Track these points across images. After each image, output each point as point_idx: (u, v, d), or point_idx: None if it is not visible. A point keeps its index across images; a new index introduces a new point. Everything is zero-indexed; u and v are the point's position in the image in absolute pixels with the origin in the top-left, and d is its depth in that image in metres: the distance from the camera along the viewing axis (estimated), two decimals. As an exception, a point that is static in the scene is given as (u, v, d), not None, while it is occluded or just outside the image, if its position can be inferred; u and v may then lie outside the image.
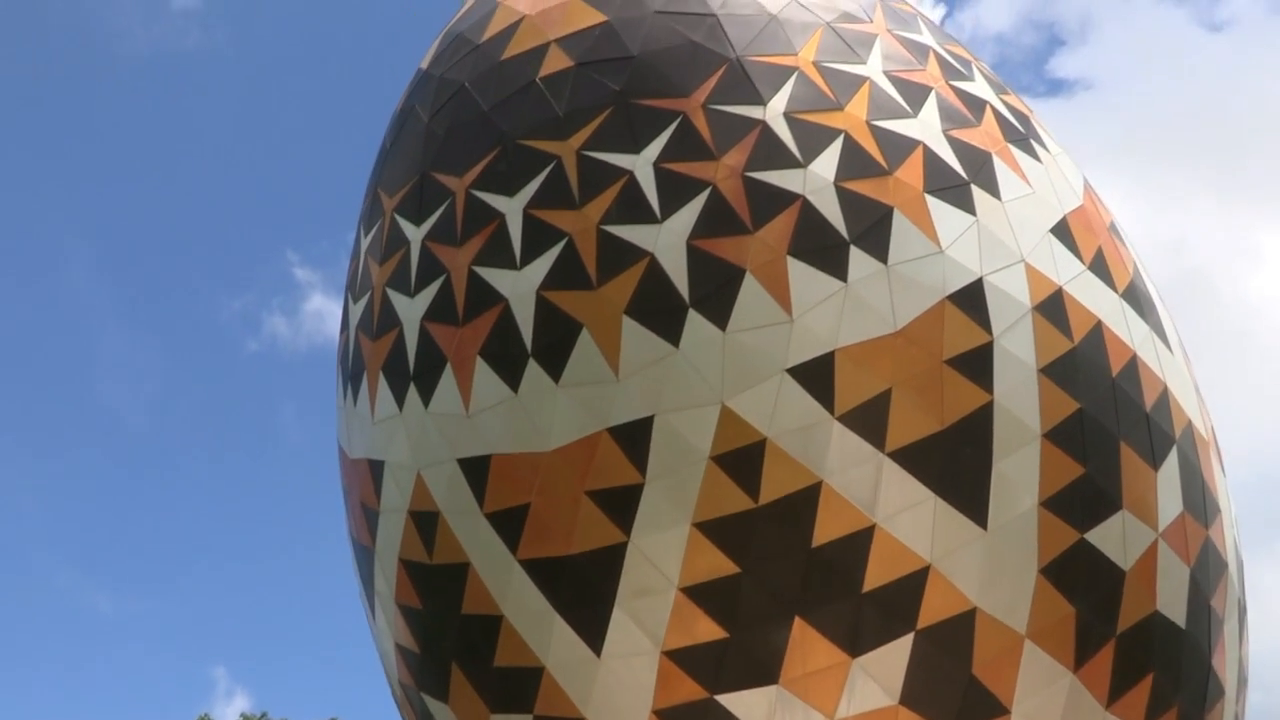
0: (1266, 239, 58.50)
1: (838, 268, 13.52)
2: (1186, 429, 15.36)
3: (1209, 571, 15.29)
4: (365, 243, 16.03)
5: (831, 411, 13.33)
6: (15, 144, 56.82)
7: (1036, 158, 15.37)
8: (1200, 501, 15.30)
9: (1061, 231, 14.90)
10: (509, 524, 14.06)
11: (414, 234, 14.96)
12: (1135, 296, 15.41)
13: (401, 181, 15.43)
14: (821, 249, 13.55)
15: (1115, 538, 14.21)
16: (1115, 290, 15.10)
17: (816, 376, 13.34)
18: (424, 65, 16.21)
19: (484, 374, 14.07)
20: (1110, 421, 14.32)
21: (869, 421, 13.39)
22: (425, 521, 14.77)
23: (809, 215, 13.60)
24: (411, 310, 14.81)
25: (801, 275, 13.45)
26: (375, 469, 15.46)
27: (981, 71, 16.12)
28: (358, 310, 15.88)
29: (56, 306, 57.62)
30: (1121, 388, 14.54)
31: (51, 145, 57.94)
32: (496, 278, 14.09)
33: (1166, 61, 63.76)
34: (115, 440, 57.64)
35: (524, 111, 14.45)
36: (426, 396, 14.57)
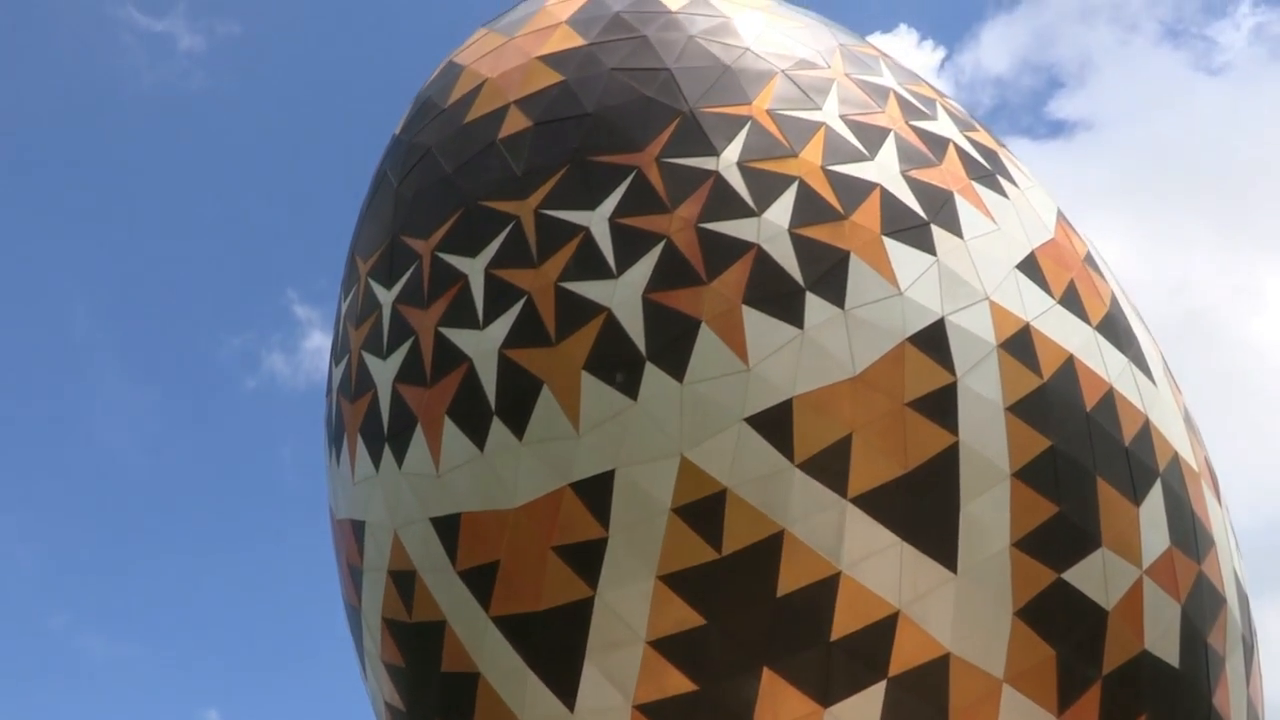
0: (1269, 280, 57.90)
1: (794, 315, 13.51)
2: (1172, 461, 15.03)
3: (1203, 607, 14.88)
4: (344, 307, 16.37)
5: (791, 459, 13.28)
6: (18, 180, 58.41)
7: (1003, 194, 15.25)
8: (1190, 535, 14.93)
9: (1029, 267, 14.74)
10: (480, 581, 14.17)
11: (385, 297, 15.25)
12: (1112, 328, 15.17)
13: (374, 246, 15.76)
14: (777, 297, 13.56)
15: (1095, 576, 13.93)
16: (1089, 323, 14.88)
17: (775, 425, 13.31)
18: (397, 130, 16.58)
19: (452, 433, 14.25)
20: (1085, 457, 14.08)
21: (830, 468, 13.31)
22: (403, 580, 14.94)
23: (763, 263, 13.63)
24: (384, 372, 15.06)
25: (757, 324, 13.46)
26: (357, 529, 15.69)
27: (947, 109, 16.07)
28: (338, 373, 16.19)
29: (54, 343, 58.66)
30: (1097, 422, 14.29)
31: (54, 182, 59.44)
32: (461, 338, 14.29)
33: (1166, 103, 64.15)
34: (111, 480, 58.28)
35: (485, 173, 14.71)
36: (400, 457, 14.78)
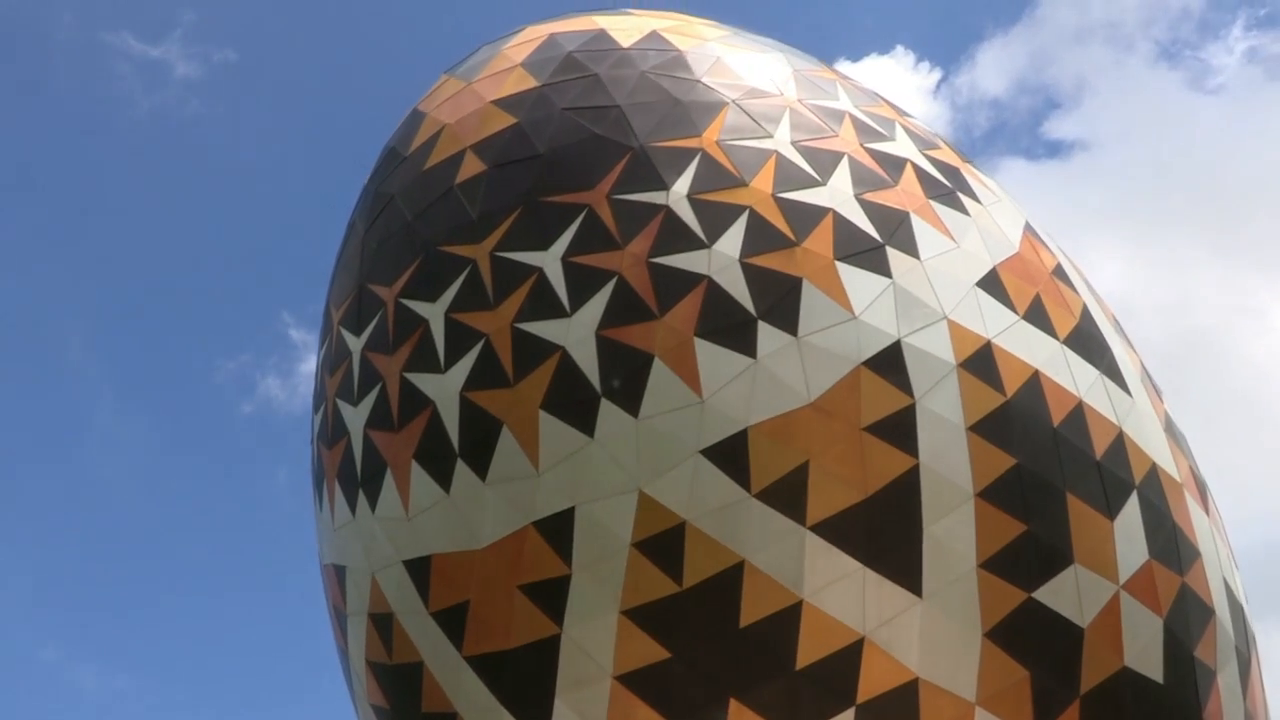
0: (1269, 300, 56.95)
1: (746, 344, 13.53)
2: (1150, 473, 14.78)
3: (1188, 620, 14.59)
4: (320, 356, 16.67)
5: (748, 489, 13.28)
6: (13, 205, 59.36)
7: (964, 211, 15.15)
8: (1172, 547, 14.66)
9: (991, 283, 14.62)
10: (452, 622, 14.31)
11: (355, 345, 15.51)
12: (1082, 341, 14.97)
13: (345, 295, 16.04)
14: (729, 327, 13.59)
15: (1069, 594, 13.73)
16: (1056, 337, 14.71)
17: (731, 455, 13.32)
18: (367, 179, 16.88)
19: (419, 477, 14.43)
20: (1053, 474, 13.90)
21: (787, 497, 13.29)
22: (383, 623, 15.13)
23: (715, 295, 13.67)
24: (356, 418, 15.30)
25: (710, 355, 13.50)
26: (339, 574, 15.92)
27: (907, 128, 16.01)
28: (317, 421, 16.48)
29: (49, 368, 58.97)
30: (1065, 437, 14.11)
31: (50, 207, 60.19)
32: (424, 382, 14.49)
33: (1162, 123, 64.27)
34: (104, 507, 58.14)
35: (443, 218, 14.93)
36: (373, 501, 14.99)
